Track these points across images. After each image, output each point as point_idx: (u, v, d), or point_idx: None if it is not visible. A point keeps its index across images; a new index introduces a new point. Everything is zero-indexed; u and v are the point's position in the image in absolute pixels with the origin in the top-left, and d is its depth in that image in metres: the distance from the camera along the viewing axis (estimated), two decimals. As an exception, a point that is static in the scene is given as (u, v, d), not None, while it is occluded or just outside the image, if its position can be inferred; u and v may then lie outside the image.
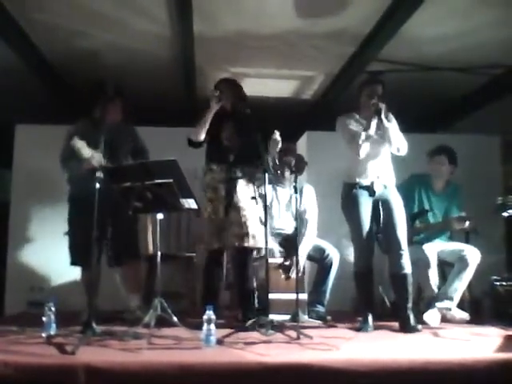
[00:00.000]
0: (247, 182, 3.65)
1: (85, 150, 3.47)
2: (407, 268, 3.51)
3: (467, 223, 4.01)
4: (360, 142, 3.50)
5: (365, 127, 3.55)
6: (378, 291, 4.16)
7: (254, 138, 3.62)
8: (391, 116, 3.64)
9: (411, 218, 4.01)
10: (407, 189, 3.65)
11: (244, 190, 3.61)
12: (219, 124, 3.65)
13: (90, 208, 3.05)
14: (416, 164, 4.25)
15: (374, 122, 3.51)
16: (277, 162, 3.66)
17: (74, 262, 3.73)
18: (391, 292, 3.86)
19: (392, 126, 3.56)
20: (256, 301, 3.72)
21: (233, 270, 3.89)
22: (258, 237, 3.56)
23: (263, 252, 3.47)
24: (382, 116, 3.48)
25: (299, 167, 4.00)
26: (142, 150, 3.89)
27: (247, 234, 3.54)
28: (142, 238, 4.02)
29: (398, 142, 3.56)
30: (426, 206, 4.16)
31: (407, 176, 4.13)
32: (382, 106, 3.48)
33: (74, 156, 3.51)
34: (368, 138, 3.51)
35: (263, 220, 3.31)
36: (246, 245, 3.54)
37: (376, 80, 3.76)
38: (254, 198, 3.57)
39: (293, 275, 3.85)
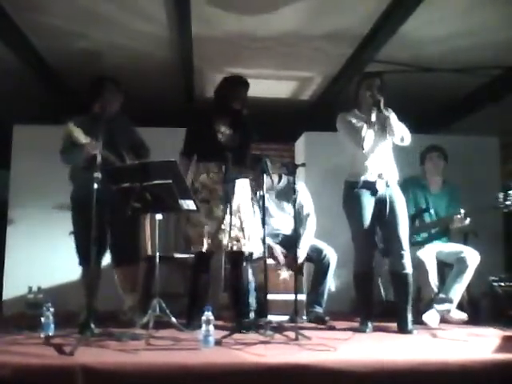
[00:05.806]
0: (245, 183, 3.61)
1: (81, 136, 3.43)
2: (408, 268, 3.49)
3: (468, 220, 3.97)
4: (363, 134, 3.46)
5: (366, 120, 3.51)
6: (378, 290, 4.15)
7: (252, 138, 3.64)
8: (390, 111, 3.58)
9: (411, 219, 4.01)
10: (402, 192, 3.65)
11: (242, 192, 3.57)
12: (215, 120, 3.60)
13: (91, 208, 3.04)
14: (415, 165, 4.27)
15: (374, 114, 3.46)
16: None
17: (80, 263, 3.69)
18: (390, 290, 3.86)
19: (393, 115, 3.51)
20: (255, 302, 3.72)
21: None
22: (255, 240, 3.55)
23: (261, 254, 3.47)
24: (382, 107, 3.45)
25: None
26: (143, 146, 3.82)
27: (245, 237, 3.50)
28: (140, 239, 3.99)
29: (401, 130, 3.52)
30: (424, 207, 4.16)
31: (407, 176, 4.11)
32: (381, 98, 3.45)
33: (74, 146, 3.47)
34: (371, 128, 3.47)
35: (261, 221, 3.30)
36: (243, 248, 3.50)
37: (374, 73, 3.70)
38: (252, 199, 3.56)
39: (291, 274, 3.83)
